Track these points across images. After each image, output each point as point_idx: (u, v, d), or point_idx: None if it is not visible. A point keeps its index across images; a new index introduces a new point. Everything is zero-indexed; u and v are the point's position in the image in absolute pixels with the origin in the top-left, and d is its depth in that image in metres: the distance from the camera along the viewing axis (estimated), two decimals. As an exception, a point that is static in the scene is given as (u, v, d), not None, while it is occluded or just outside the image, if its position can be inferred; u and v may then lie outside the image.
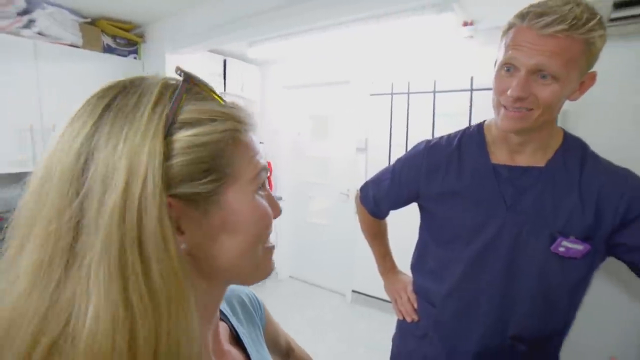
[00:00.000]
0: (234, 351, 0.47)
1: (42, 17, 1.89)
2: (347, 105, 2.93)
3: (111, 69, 2.21)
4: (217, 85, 2.81)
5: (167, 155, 0.30)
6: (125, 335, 0.26)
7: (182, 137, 0.31)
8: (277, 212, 0.41)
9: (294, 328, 2.66)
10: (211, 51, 2.72)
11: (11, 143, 1.83)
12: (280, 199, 3.42)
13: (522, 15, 0.65)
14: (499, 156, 0.78)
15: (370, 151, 2.78)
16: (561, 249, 0.69)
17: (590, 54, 0.62)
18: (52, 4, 1.91)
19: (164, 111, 0.30)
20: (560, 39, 0.60)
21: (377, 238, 1.09)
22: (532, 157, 0.75)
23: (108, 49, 2.22)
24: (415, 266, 0.96)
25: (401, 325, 1.00)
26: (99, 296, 0.26)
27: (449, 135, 0.88)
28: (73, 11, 2.01)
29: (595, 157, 0.73)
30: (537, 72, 0.63)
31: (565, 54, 0.61)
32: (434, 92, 2.44)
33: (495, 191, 0.76)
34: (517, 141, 0.74)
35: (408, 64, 2.52)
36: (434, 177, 0.85)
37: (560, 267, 0.71)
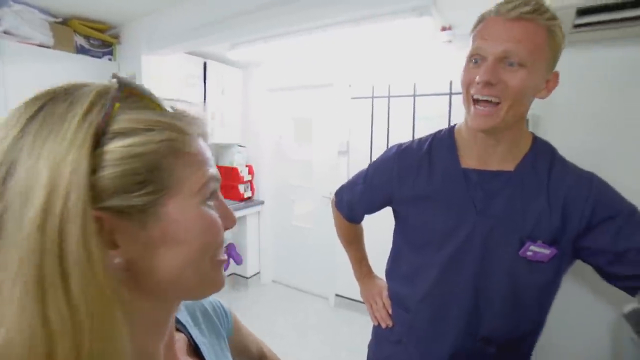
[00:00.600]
0: None
1: (9, 15, 1.82)
2: (329, 108, 2.94)
3: (84, 71, 2.15)
4: (196, 88, 2.81)
5: (96, 167, 0.28)
6: (42, 354, 0.25)
7: (114, 148, 0.29)
8: (229, 222, 0.39)
9: (278, 332, 2.63)
10: (190, 53, 2.67)
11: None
12: (262, 202, 3.40)
13: (489, 10, 0.68)
14: (469, 160, 0.79)
15: (352, 154, 2.79)
16: (529, 253, 0.70)
17: (553, 43, 0.64)
18: (20, 2, 1.85)
19: (95, 121, 0.29)
20: (526, 24, 0.63)
21: (353, 243, 1.09)
22: (502, 162, 0.75)
23: (81, 50, 2.16)
24: (390, 272, 0.96)
25: (377, 331, 1.00)
26: (12, 316, 0.25)
27: (420, 139, 0.89)
28: (43, 10, 1.94)
29: (562, 161, 0.74)
30: (505, 60, 0.64)
31: (531, 39, 0.62)
32: (414, 95, 2.46)
33: (465, 195, 0.76)
34: (487, 143, 0.74)
35: (388, 67, 2.54)
36: (405, 181, 0.85)
37: (528, 271, 0.72)
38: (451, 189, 0.78)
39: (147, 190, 0.31)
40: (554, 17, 0.64)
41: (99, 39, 2.23)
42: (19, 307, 0.25)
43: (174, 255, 0.33)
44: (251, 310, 2.98)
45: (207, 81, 2.93)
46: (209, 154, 0.38)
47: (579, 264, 0.74)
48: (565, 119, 1.02)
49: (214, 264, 0.37)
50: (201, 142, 0.37)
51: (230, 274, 3.51)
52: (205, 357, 0.48)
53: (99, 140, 0.29)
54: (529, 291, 0.74)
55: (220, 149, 3.43)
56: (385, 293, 0.98)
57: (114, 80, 0.33)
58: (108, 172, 0.29)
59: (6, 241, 0.26)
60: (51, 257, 0.25)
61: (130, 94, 0.32)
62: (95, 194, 0.28)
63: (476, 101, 0.69)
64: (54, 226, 0.26)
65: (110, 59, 2.30)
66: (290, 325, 2.74)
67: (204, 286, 0.37)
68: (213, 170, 0.37)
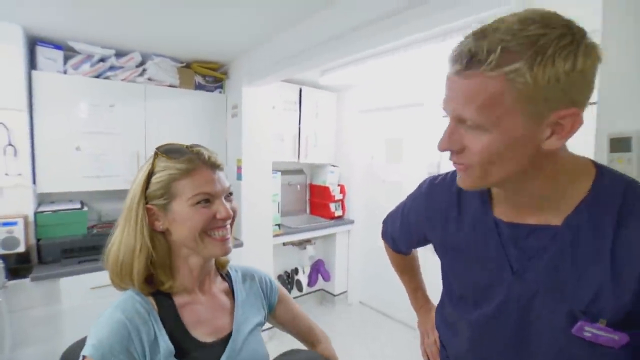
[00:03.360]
0: (224, 298, 0.79)
1: (152, 67, 2.40)
2: (420, 127, 2.86)
3: (201, 103, 2.62)
4: (292, 113, 3.10)
5: (147, 187, 0.70)
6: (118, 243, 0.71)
7: (152, 179, 0.70)
8: (219, 214, 0.70)
9: (356, 355, 2.62)
10: (286, 81, 2.97)
11: (123, 166, 2.34)
12: (353, 222, 3.46)
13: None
14: (503, 209, 0.65)
15: (442, 176, 2.63)
16: (587, 334, 0.54)
17: (520, 94, 0.48)
18: (159, 55, 2.42)
19: (149, 167, 0.71)
20: (467, 81, 0.51)
21: (406, 272, 1.05)
22: (543, 214, 0.60)
23: (199, 86, 2.66)
24: (437, 311, 0.89)
25: None
26: (117, 235, 0.71)
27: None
28: (173, 58, 2.49)
29: None
30: (463, 122, 0.54)
31: (479, 96, 0.50)
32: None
33: (499, 251, 0.64)
34: (505, 195, 0.63)
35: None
36: (435, 225, 0.77)
37: (588, 355, 0.56)
38: (483, 243, 0.67)
39: (165, 197, 0.69)
40: (502, 63, 0.47)
41: (212, 76, 2.70)
42: (119, 230, 0.71)
43: (180, 228, 0.69)
44: (334, 327, 3.03)
45: (302, 106, 3.20)
46: (209, 176, 0.70)
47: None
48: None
49: (203, 237, 0.69)
50: (203, 170, 0.70)
51: (319, 290, 3.64)
52: (236, 298, 0.80)
53: (151, 175, 0.70)
54: None
55: (314, 169, 3.64)
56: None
57: (156, 148, 0.72)
58: (151, 189, 0.69)
59: (123, 208, 0.72)
60: (129, 214, 0.70)
61: (160, 154, 0.71)
62: (147, 197, 0.69)
63: None
64: (133, 206, 0.69)
65: (220, 92, 2.76)
66: (369, 352, 2.69)
67: (201, 248, 0.70)
68: (206, 189, 0.69)
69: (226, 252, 0.72)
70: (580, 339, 0.55)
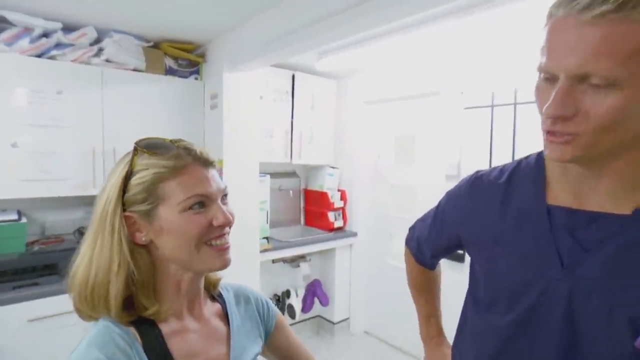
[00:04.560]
0: (218, 323, 0.76)
1: (110, 45, 2.22)
2: (436, 121, 2.73)
3: (173, 91, 2.46)
4: (283, 104, 2.95)
5: (126, 190, 0.65)
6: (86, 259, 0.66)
7: (132, 180, 0.65)
8: (216, 221, 0.67)
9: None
10: (277, 65, 2.83)
11: (74, 167, 2.16)
12: (355, 234, 3.31)
13: (558, 3, 0.55)
14: (560, 195, 0.67)
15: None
16: None
17: None
18: (119, 31, 2.24)
19: (127, 167, 0.66)
20: (609, 26, 0.49)
21: (423, 292, 1.06)
22: (609, 200, 0.61)
23: (170, 71, 2.49)
24: (454, 343, 0.91)
25: None
26: (84, 249, 0.67)
27: (504, 166, 0.80)
28: (137, 36, 2.31)
29: None
30: (584, 80, 0.52)
31: (621, 45, 0.49)
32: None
33: (548, 242, 0.66)
34: (584, 175, 0.62)
35: (513, 66, 2.22)
36: (475, 219, 0.79)
37: None
38: (528, 232, 0.69)
39: (149, 202, 0.64)
40: None
41: (187, 59, 2.54)
42: (88, 246, 0.66)
43: (169, 239, 0.65)
44: (334, 363, 2.87)
45: (295, 96, 3.06)
46: (202, 174, 0.67)
47: None
48: None
49: (200, 248, 0.66)
50: (194, 168, 0.67)
51: (315, 316, 3.51)
52: (232, 324, 0.77)
53: (129, 176, 0.65)
54: None
55: (309, 171, 3.53)
56: None
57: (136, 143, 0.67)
58: (129, 193, 0.65)
59: (93, 217, 0.67)
60: (102, 224, 0.65)
61: (141, 150, 0.66)
62: (125, 203, 0.65)
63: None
64: (107, 214, 0.64)
65: (196, 78, 2.60)
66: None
67: (196, 262, 0.67)
68: (200, 190, 0.66)
69: (226, 264, 0.70)
70: None
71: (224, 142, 2.45)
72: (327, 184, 3.32)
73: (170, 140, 0.69)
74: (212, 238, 0.67)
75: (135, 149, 0.67)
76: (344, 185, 3.41)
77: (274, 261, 3.10)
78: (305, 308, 3.32)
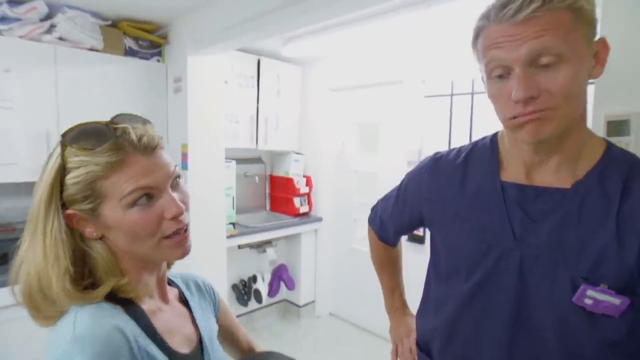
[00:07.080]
0: (179, 305, 0.75)
1: (63, 22, 2.05)
2: (398, 109, 2.77)
3: (133, 73, 2.32)
4: (249, 90, 2.88)
5: (62, 188, 0.58)
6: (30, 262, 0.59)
7: (67, 179, 0.58)
8: (168, 214, 0.61)
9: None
10: (242, 50, 2.75)
11: (25, 151, 1.99)
12: (321, 219, 3.32)
13: (486, 15, 0.63)
14: (512, 173, 0.74)
15: (425, 165, 2.56)
16: (587, 301, 0.61)
17: (583, 19, 0.59)
18: (73, 7, 2.07)
19: (57, 161, 0.58)
20: (542, 17, 0.57)
21: (386, 268, 1.10)
22: (554, 176, 0.68)
23: (130, 52, 2.34)
24: (418, 312, 0.95)
25: None
26: (24, 250, 0.60)
27: (461, 147, 0.86)
28: (94, 13, 2.15)
29: None
30: (535, 61, 0.59)
31: (557, 27, 0.57)
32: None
33: (502, 215, 0.71)
34: (535, 153, 0.68)
35: (471, 56, 2.26)
36: (435, 197, 0.84)
37: (588, 326, 0.63)
38: (484, 207, 0.74)
39: (90, 200, 0.58)
40: None
41: (148, 39, 2.39)
42: (28, 245, 0.59)
43: (119, 236, 0.60)
44: (300, 344, 2.89)
45: (260, 81, 2.99)
46: (144, 164, 0.59)
47: None
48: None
49: (158, 241, 0.61)
50: (134, 158, 0.59)
51: (281, 300, 3.50)
52: (191, 306, 0.76)
53: (62, 173, 0.58)
54: (592, 355, 0.64)
55: (275, 157, 3.48)
56: (414, 335, 0.97)
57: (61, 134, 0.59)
58: (67, 192, 0.58)
59: (28, 217, 0.61)
60: (35, 227, 0.59)
61: (69, 145, 0.58)
62: (65, 201, 0.59)
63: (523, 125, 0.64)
64: (39, 218, 0.58)
65: (158, 60, 2.46)
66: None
67: (154, 255, 0.64)
68: (143, 182, 0.58)
69: (186, 252, 0.67)
70: (580, 308, 0.62)
71: (188, 127, 2.37)
72: (293, 170, 3.29)
73: (106, 123, 0.60)
74: (169, 233, 0.62)
75: (63, 144, 0.58)
76: (309, 171, 3.39)
77: (240, 247, 3.05)
78: (272, 292, 3.30)
